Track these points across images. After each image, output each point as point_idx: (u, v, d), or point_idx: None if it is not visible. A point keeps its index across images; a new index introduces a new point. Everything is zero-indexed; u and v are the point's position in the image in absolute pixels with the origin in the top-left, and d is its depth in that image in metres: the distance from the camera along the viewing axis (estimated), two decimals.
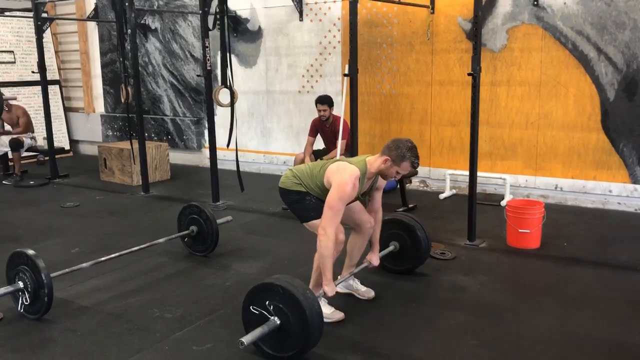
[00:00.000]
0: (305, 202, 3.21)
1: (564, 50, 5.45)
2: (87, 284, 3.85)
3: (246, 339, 2.65)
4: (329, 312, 3.21)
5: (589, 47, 5.33)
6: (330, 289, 3.05)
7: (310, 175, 3.22)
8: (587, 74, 5.37)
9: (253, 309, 2.80)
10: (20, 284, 3.30)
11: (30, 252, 3.31)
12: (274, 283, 2.76)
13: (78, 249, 4.61)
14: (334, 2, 6.68)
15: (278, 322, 2.73)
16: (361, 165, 3.10)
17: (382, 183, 3.34)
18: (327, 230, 2.96)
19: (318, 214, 3.09)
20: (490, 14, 5.74)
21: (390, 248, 3.79)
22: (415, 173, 3.14)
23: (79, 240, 4.85)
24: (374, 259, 3.50)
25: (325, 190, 3.11)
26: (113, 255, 3.92)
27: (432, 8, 6.01)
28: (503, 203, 5.50)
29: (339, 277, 3.58)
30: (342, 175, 3.03)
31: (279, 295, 2.72)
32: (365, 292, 3.56)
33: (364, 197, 3.32)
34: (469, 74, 4.29)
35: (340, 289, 3.57)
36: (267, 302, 2.75)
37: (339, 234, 3.10)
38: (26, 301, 3.31)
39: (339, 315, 3.24)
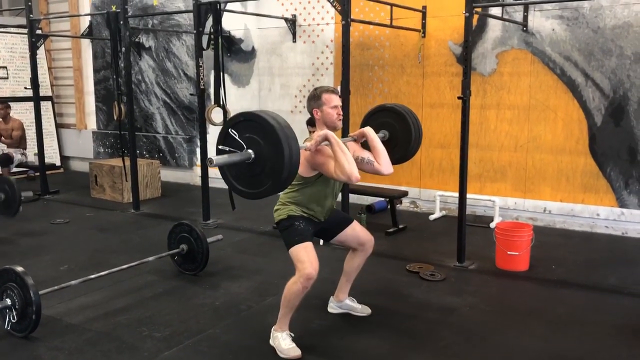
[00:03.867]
0: (293, 227, 3.12)
1: (552, 75, 5.55)
2: (75, 301, 3.83)
3: (217, 159, 2.56)
4: (285, 347, 3.06)
5: (577, 72, 5.43)
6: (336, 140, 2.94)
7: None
8: (575, 98, 5.47)
9: (232, 132, 2.67)
10: (8, 301, 3.28)
11: (19, 269, 3.29)
12: (261, 116, 2.64)
13: (67, 266, 4.59)
14: (327, 24, 6.78)
15: (253, 155, 2.62)
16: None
17: (357, 150, 3.27)
18: (349, 173, 2.88)
19: (302, 239, 3.07)
20: (480, 39, 5.84)
21: (380, 136, 3.61)
22: (336, 93, 3.11)
23: (68, 257, 4.83)
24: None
25: (302, 179, 3.07)
26: (102, 273, 3.91)
27: (424, 32, 6.11)
28: (492, 225, 5.54)
29: (331, 298, 3.59)
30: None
31: (259, 128, 2.61)
32: (361, 309, 3.56)
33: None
34: (459, 98, 4.36)
35: (335, 310, 3.58)
36: (246, 134, 2.63)
37: (312, 270, 2.99)
38: (13, 319, 3.28)
39: (295, 352, 3.04)
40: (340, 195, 3.96)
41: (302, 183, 3.11)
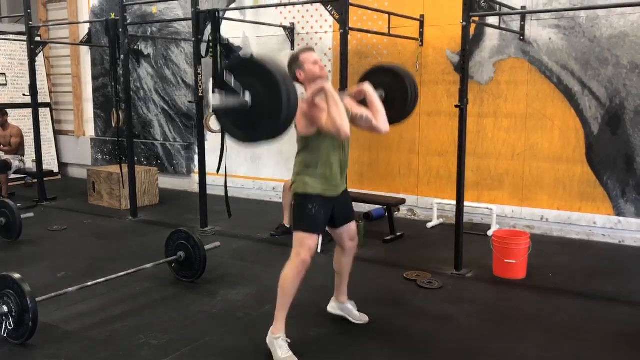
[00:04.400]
0: (306, 211, 3.12)
1: (549, 84, 5.57)
2: (72, 308, 3.82)
3: (215, 106, 2.59)
4: (282, 357, 3.05)
5: (574, 81, 5.46)
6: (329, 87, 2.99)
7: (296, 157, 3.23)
8: (572, 107, 5.49)
9: (227, 76, 2.66)
10: (5, 308, 3.27)
11: (16, 275, 3.28)
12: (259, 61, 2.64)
13: (64, 273, 4.58)
14: (325, 33, 6.81)
15: (250, 99, 2.61)
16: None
17: (354, 107, 3.29)
18: (338, 125, 2.91)
19: (310, 228, 3.11)
20: (477, 48, 5.87)
21: (377, 94, 3.67)
22: (312, 50, 3.14)
23: (65, 264, 4.82)
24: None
25: (303, 139, 3.13)
26: (99, 280, 3.91)
27: (421, 41, 6.14)
28: (490, 233, 5.54)
29: (332, 298, 3.59)
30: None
31: (256, 72, 2.59)
32: (359, 317, 3.57)
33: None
34: (456, 106, 4.38)
35: (334, 310, 3.58)
36: (243, 79, 2.61)
37: (308, 257, 3.08)
38: (10, 326, 3.27)
39: None
40: None
41: (305, 143, 3.15)
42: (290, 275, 3.09)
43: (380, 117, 3.22)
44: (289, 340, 3.14)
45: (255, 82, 2.60)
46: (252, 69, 2.63)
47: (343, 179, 3.30)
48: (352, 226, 3.41)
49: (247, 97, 2.61)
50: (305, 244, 3.09)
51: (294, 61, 3.14)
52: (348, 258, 3.47)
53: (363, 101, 3.31)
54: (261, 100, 2.60)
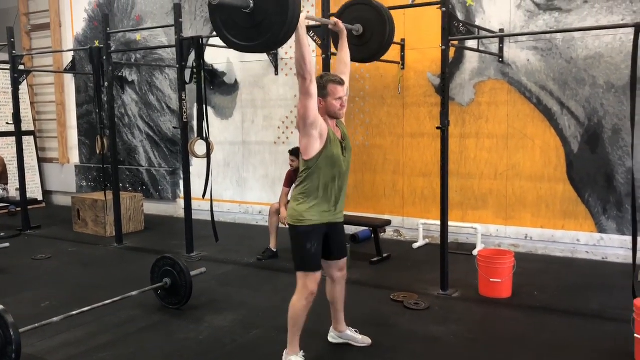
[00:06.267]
0: (306, 249, 3.16)
1: (529, 105, 5.68)
2: (57, 338, 3.78)
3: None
4: None
5: (553, 101, 5.57)
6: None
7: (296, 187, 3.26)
8: (552, 127, 5.59)
9: None
10: None
11: None
12: None
13: (49, 302, 4.53)
14: None
15: (252, 3, 2.53)
16: None
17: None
18: (304, 54, 2.92)
19: (313, 268, 3.17)
20: (458, 70, 5.98)
21: (355, 28, 3.81)
22: (342, 84, 3.17)
23: (50, 293, 4.77)
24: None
25: (305, 164, 3.14)
26: (84, 309, 3.87)
27: (403, 64, 6.24)
28: (475, 252, 5.58)
29: (331, 328, 3.59)
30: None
31: None
32: (362, 340, 3.58)
33: (347, 151, 3.28)
34: (437, 128, 4.44)
35: (335, 340, 3.59)
36: None
37: (315, 288, 3.17)
38: None
39: None
40: None
41: (306, 173, 3.16)
42: (298, 307, 3.17)
43: (345, 48, 3.50)
44: (304, 356, 3.22)
45: None
46: None
47: (341, 207, 3.33)
48: (343, 260, 3.45)
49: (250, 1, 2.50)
50: (311, 278, 3.16)
51: (321, 88, 3.11)
52: (339, 287, 3.49)
53: (335, 36, 3.58)
54: (264, 10, 2.49)
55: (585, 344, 3.58)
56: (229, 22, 2.61)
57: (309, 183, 3.16)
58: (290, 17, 2.49)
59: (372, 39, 3.78)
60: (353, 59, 3.77)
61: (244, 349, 3.59)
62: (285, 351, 3.26)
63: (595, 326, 3.89)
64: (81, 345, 3.69)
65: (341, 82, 3.18)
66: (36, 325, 3.54)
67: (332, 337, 3.62)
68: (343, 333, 3.59)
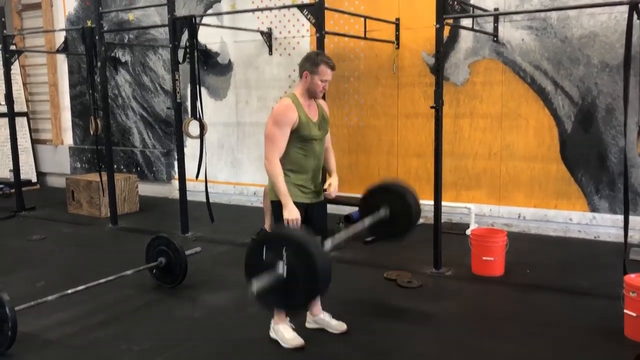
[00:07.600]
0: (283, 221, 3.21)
1: (523, 84, 5.68)
2: (52, 317, 3.80)
3: (256, 285, 2.61)
4: (289, 338, 3.24)
5: (547, 81, 5.57)
6: (289, 212, 3.13)
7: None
8: (546, 106, 5.60)
9: (264, 252, 2.73)
10: None
11: None
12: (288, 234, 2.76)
13: (44, 282, 4.54)
14: (303, 37, 6.85)
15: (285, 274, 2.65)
16: (289, 95, 3.23)
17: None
18: (270, 158, 3.15)
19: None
20: (452, 49, 5.96)
21: (382, 214, 3.66)
22: (334, 68, 3.20)
23: (45, 273, 4.79)
24: (332, 188, 3.45)
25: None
26: (79, 288, 3.88)
27: (397, 43, 6.21)
28: (468, 232, 5.61)
29: (307, 314, 3.59)
30: (274, 108, 3.21)
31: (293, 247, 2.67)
32: (337, 325, 3.52)
33: (321, 131, 3.30)
34: (431, 107, 4.44)
35: (311, 325, 3.59)
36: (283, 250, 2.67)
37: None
38: None
39: (298, 341, 3.24)
40: None
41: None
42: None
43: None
44: (292, 325, 3.24)
45: (287, 251, 2.66)
46: (281, 240, 2.72)
47: (318, 185, 3.36)
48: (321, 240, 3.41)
49: (281, 268, 2.66)
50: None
51: (312, 64, 3.16)
52: None
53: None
54: (294, 269, 2.64)
55: (577, 321, 3.63)
56: (276, 294, 2.74)
57: (285, 161, 3.24)
58: (320, 269, 2.62)
59: (398, 223, 3.68)
60: (384, 238, 3.94)
61: (238, 326, 3.62)
62: (272, 320, 3.31)
63: (586, 303, 3.94)
64: (77, 323, 3.72)
65: (333, 67, 3.22)
66: (32, 303, 3.56)
67: (308, 322, 3.59)
68: (317, 317, 3.52)
